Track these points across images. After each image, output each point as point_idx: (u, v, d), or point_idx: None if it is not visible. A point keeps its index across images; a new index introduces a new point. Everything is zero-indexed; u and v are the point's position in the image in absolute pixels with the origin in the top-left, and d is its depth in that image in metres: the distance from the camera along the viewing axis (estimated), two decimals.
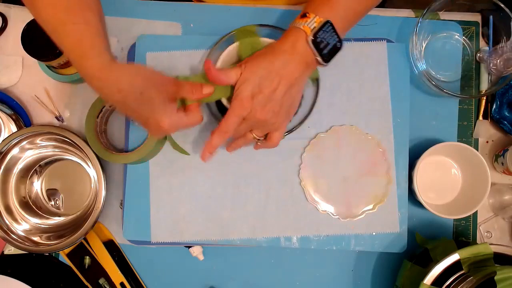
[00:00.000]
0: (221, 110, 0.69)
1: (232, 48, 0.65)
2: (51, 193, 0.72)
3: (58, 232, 0.69)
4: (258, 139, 0.62)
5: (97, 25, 0.52)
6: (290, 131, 0.68)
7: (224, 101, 0.62)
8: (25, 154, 0.70)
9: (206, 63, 0.56)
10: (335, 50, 0.57)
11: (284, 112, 0.59)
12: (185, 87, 0.57)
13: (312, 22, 0.55)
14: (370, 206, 0.69)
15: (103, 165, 0.67)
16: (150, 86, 0.53)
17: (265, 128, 0.60)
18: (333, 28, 0.56)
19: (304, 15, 0.57)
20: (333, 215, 0.69)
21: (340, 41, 0.57)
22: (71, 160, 0.72)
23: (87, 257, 0.70)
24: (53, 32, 0.51)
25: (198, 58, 0.71)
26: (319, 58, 0.57)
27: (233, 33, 0.69)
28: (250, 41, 0.64)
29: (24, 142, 0.69)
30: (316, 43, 0.55)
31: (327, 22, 0.56)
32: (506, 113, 0.72)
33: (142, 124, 0.57)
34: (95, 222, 0.65)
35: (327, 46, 0.56)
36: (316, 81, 0.69)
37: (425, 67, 0.72)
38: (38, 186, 0.72)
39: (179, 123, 0.57)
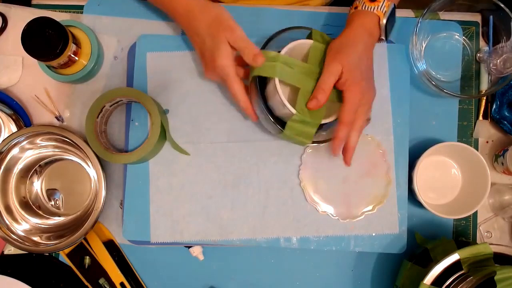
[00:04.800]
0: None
1: (305, 43, 0.63)
2: (51, 193, 0.72)
3: (58, 232, 0.69)
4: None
5: None
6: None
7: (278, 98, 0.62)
8: (25, 154, 0.70)
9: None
10: (392, 28, 0.66)
11: (371, 81, 0.63)
12: (240, 43, 0.60)
13: (383, 6, 0.62)
14: (370, 207, 0.69)
15: (103, 165, 0.67)
16: (218, 24, 0.61)
17: (367, 104, 0.62)
18: (395, 9, 0.64)
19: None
20: (333, 215, 0.69)
21: (395, 20, 0.65)
22: (71, 160, 0.72)
23: (87, 257, 0.70)
24: None
25: (198, 58, 0.71)
26: (383, 38, 0.64)
27: (307, 30, 0.66)
28: (323, 49, 0.63)
29: (24, 142, 0.69)
30: (386, 25, 0.63)
31: (394, 5, 0.63)
32: (506, 113, 0.72)
33: (202, 60, 0.66)
34: (95, 222, 0.65)
35: (392, 27, 0.65)
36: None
37: (425, 67, 0.72)
38: (38, 186, 0.72)
39: (227, 71, 0.61)
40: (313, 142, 0.64)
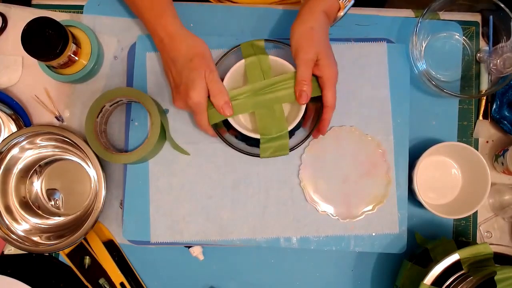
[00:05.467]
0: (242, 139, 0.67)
1: (239, 67, 0.65)
2: (51, 193, 0.72)
3: (58, 232, 0.69)
4: None
5: None
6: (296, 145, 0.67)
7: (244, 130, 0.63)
8: (25, 154, 0.70)
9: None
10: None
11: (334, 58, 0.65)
12: (214, 85, 0.61)
13: (346, 0, 0.64)
14: (370, 207, 0.69)
15: (103, 165, 0.67)
16: (200, 61, 0.61)
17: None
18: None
19: None
20: (333, 215, 0.69)
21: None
22: (71, 160, 0.72)
23: (87, 257, 0.70)
24: None
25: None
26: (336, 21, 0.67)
27: (239, 47, 0.66)
28: (258, 61, 0.64)
29: (24, 142, 0.69)
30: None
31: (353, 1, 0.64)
32: (506, 113, 0.72)
33: (174, 88, 0.65)
34: (95, 222, 0.65)
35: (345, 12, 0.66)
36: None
37: (425, 67, 0.72)
38: (38, 186, 0.72)
39: (200, 107, 0.62)
40: (291, 149, 0.65)
